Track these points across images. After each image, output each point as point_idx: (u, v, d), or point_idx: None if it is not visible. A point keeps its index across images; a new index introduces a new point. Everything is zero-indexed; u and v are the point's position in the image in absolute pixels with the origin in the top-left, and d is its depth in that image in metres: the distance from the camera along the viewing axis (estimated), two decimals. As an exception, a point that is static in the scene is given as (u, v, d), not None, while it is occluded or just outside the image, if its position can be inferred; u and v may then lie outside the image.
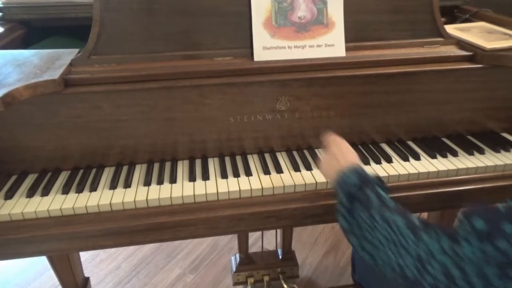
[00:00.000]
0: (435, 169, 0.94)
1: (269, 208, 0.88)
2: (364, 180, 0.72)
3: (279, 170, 0.95)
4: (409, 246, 0.60)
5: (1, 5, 1.22)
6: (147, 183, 0.92)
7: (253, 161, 1.00)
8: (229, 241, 1.83)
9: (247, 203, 0.89)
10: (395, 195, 0.92)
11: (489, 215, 0.51)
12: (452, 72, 1.00)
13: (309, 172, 0.95)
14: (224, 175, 0.94)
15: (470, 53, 1.00)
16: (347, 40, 0.98)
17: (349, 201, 0.71)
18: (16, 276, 1.67)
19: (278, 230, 1.46)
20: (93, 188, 0.90)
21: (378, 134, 1.06)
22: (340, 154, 0.80)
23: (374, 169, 0.95)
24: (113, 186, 0.91)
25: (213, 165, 0.98)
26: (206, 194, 0.89)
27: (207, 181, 0.92)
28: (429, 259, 0.57)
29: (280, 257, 1.39)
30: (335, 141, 0.84)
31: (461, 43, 1.04)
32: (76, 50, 0.97)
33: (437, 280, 0.56)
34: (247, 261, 1.38)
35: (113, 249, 1.79)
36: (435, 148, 1.02)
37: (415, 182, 0.94)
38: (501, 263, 0.49)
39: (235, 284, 1.38)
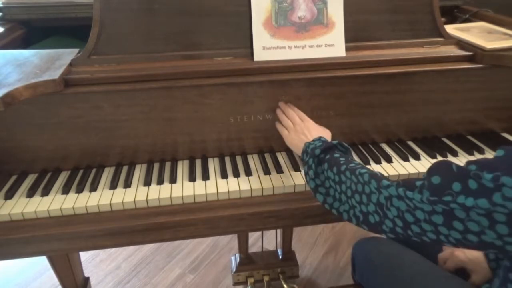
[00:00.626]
0: (435, 169, 0.94)
1: (269, 208, 0.88)
2: (327, 144, 0.81)
3: (279, 170, 0.95)
4: (372, 194, 0.67)
5: (1, 5, 1.22)
6: (147, 183, 0.92)
7: (253, 161, 1.00)
8: (229, 241, 1.83)
9: (247, 203, 0.89)
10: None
11: (445, 173, 0.57)
12: (452, 72, 1.00)
13: (309, 172, 0.95)
14: (224, 175, 0.94)
15: (470, 53, 1.00)
16: (347, 40, 0.98)
17: (316, 164, 0.79)
18: (16, 276, 1.67)
19: (278, 230, 1.46)
20: (93, 188, 0.90)
21: (378, 134, 1.06)
22: (308, 131, 0.90)
23: (374, 169, 0.95)
24: (113, 186, 0.91)
25: (213, 165, 0.98)
26: (206, 194, 0.89)
27: (207, 181, 0.92)
28: (387, 205, 0.64)
29: (280, 257, 1.39)
30: (304, 121, 0.93)
31: (461, 43, 1.04)
32: (76, 50, 0.97)
33: (395, 224, 0.63)
34: (247, 261, 1.38)
35: (113, 249, 1.79)
36: (435, 148, 1.02)
37: (415, 182, 0.94)
38: (446, 212, 0.56)
39: (235, 284, 1.38)
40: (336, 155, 0.78)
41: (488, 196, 0.50)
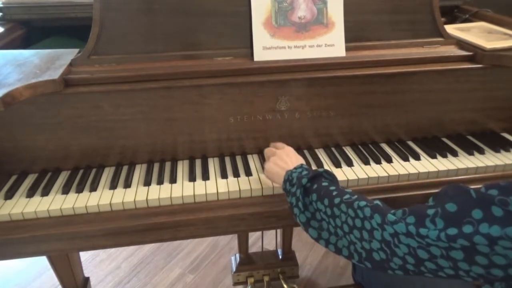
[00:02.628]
0: (435, 169, 0.94)
1: (269, 208, 0.88)
2: (314, 173, 0.75)
3: (279, 170, 0.95)
4: (374, 230, 0.60)
5: (1, 5, 1.22)
6: (147, 183, 0.92)
7: (253, 161, 1.00)
8: (229, 241, 1.83)
9: (247, 203, 0.89)
10: (395, 195, 0.92)
11: (461, 199, 0.52)
12: (452, 72, 1.00)
13: (309, 172, 0.95)
14: (224, 175, 0.94)
15: (470, 53, 1.00)
16: (347, 40, 0.98)
17: (303, 195, 0.73)
18: (16, 276, 1.67)
19: (278, 230, 1.46)
20: (93, 188, 0.90)
21: (378, 134, 1.06)
22: (287, 157, 0.85)
23: (374, 169, 0.95)
24: (113, 186, 0.91)
25: (213, 165, 0.98)
26: (206, 194, 0.89)
27: (207, 181, 0.92)
28: (395, 242, 0.57)
29: (280, 257, 1.39)
30: (284, 148, 0.89)
31: (461, 43, 1.04)
32: (76, 50, 0.97)
33: (405, 261, 0.57)
34: (247, 261, 1.38)
35: (113, 249, 1.79)
36: (435, 148, 1.02)
37: (415, 182, 0.94)
38: (466, 248, 0.49)
39: (235, 284, 1.38)
40: (325, 183, 0.73)
41: None
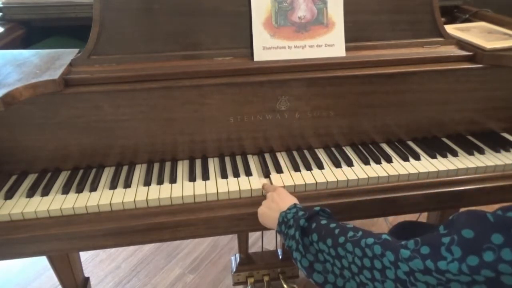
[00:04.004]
0: (435, 169, 0.94)
1: (269, 208, 0.88)
2: (310, 212, 0.71)
3: (279, 170, 0.95)
4: (386, 269, 0.56)
5: (1, 5, 1.22)
6: (147, 183, 0.92)
7: (253, 161, 0.99)
8: (229, 241, 1.83)
9: (247, 203, 0.89)
10: (395, 195, 0.92)
11: (477, 223, 0.48)
12: (452, 72, 1.00)
13: (309, 172, 0.95)
14: (224, 175, 0.94)
15: (470, 53, 1.00)
16: (347, 40, 0.98)
17: (302, 236, 0.68)
18: (16, 276, 1.67)
19: (278, 230, 1.46)
20: (93, 188, 0.90)
21: (378, 134, 1.06)
22: (279, 198, 0.80)
23: (374, 169, 0.95)
24: (113, 186, 0.91)
25: (213, 165, 0.98)
26: (206, 194, 0.89)
27: (207, 181, 0.92)
28: (411, 280, 0.53)
29: (280, 257, 1.39)
30: (276, 190, 0.85)
31: (461, 43, 1.04)
32: (76, 50, 0.97)
33: None
34: (247, 261, 1.37)
35: (113, 249, 1.79)
36: (435, 148, 1.02)
37: (415, 182, 0.94)
38: (491, 280, 0.46)
39: (235, 284, 1.38)
40: (323, 221, 0.68)
41: None
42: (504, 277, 0.44)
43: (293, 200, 0.80)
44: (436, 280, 0.50)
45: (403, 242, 0.56)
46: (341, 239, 0.63)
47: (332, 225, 0.66)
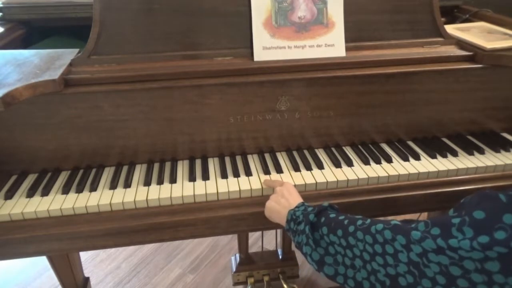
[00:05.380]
0: (435, 169, 0.94)
1: (269, 208, 0.88)
2: (319, 208, 0.73)
3: (279, 170, 0.95)
4: (398, 253, 0.57)
5: (1, 5, 1.22)
6: (147, 183, 0.92)
7: (253, 161, 0.99)
8: (229, 241, 1.83)
9: (247, 203, 0.89)
10: (395, 195, 0.92)
11: (489, 204, 0.49)
12: (452, 72, 1.00)
13: (309, 172, 0.95)
14: (224, 175, 0.94)
15: (470, 53, 1.00)
16: (347, 40, 0.98)
17: (312, 231, 0.69)
18: (16, 276, 1.67)
19: (278, 230, 1.46)
20: (93, 188, 0.90)
21: (378, 134, 1.06)
22: (288, 194, 0.81)
23: (374, 169, 0.95)
24: (113, 186, 0.91)
25: (213, 165, 0.98)
26: (206, 194, 0.89)
27: (207, 181, 0.92)
28: (424, 262, 0.54)
29: (280, 257, 1.39)
30: (284, 184, 0.86)
31: (461, 43, 1.04)
32: (76, 50, 0.97)
33: (436, 282, 0.53)
34: (247, 261, 1.37)
35: (113, 249, 1.79)
36: (435, 148, 1.02)
37: (415, 182, 0.94)
38: (504, 256, 0.46)
39: (235, 284, 1.38)
40: (332, 215, 0.70)
41: None
42: None
43: (300, 198, 0.81)
44: (448, 260, 0.51)
45: (413, 225, 0.57)
46: (351, 228, 0.64)
47: (341, 217, 0.68)
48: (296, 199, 0.80)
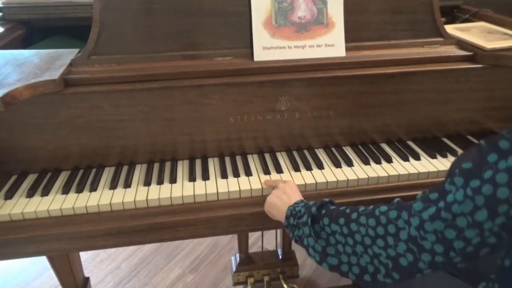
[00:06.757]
0: (435, 169, 0.94)
1: (269, 208, 0.88)
2: (320, 202, 0.74)
3: (279, 170, 0.95)
4: (400, 231, 0.59)
5: (1, 5, 1.22)
6: (147, 183, 0.92)
7: (253, 161, 0.99)
8: (229, 241, 1.83)
9: (247, 203, 0.89)
10: (395, 195, 0.92)
11: (474, 155, 0.53)
12: (452, 72, 1.00)
13: (309, 172, 0.95)
14: (224, 175, 0.94)
15: (470, 53, 1.00)
16: (347, 40, 0.98)
17: (313, 223, 0.71)
18: (16, 276, 1.67)
19: (278, 230, 1.46)
20: (93, 188, 0.90)
21: (378, 134, 1.06)
22: (290, 191, 0.83)
23: (374, 169, 0.95)
24: (113, 186, 0.91)
25: (213, 165, 0.98)
26: (206, 194, 0.89)
27: (207, 181, 0.92)
28: (421, 234, 0.56)
29: (280, 257, 1.39)
30: (286, 182, 0.87)
31: (461, 43, 1.04)
32: (76, 50, 0.97)
33: (434, 253, 0.56)
34: (247, 261, 1.37)
35: (113, 249, 1.79)
36: (435, 148, 1.02)
37: (415, 182, 0.94)
38: (489, 199, 0.50)
39: (235, 284, 1.38)
40: (333, 207, 0.72)
41: None
42: (500, 190, 0.49)
43: (301, 196, 0.83)
44: (443, 223, 0.54)
45: (420, 199, 0.59)
46: (354, 215, 0.66)
47: (342, 207, 0.70)
48: (297, 197, 0.81)
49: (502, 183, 0.49)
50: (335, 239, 0.67)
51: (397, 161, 0.98)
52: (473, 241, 0.53)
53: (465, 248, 0.54)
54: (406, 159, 0.98)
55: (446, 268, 0.58)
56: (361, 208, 0.67)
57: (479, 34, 1.08)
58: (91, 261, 1.74)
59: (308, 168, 0.96)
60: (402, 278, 0.61)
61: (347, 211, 0.68)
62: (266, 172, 0.95)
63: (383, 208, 0.63)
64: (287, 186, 0.84)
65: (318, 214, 0.71)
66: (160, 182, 0.92)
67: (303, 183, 0.91)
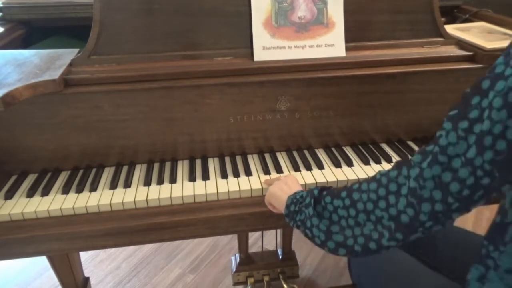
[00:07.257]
0: (435, 169, 0.94)
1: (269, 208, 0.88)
2: (322, 187, 0.74)
3: (279, 170, 0.95)
4: (402, 187, 0.60)
5: (1, 5, 1.22)
6: (147, 183, 0.92)
7: (253, 161, 1.00)
8: (229, 241, 1.83)
9: (247, 203, 0.89)
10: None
11: (459, 101, 0.55)
12: (452, 72, 1.00)
13: (309, 172, 0.95)
14: (224, 175, 0.94)
15: (470, 53, 1.00)
16: (347, 40, 0.98)
17: (315, 204, 0.72)
18: (16, 276, 1.67)
19: (278, 230, 1.46)
20: (93, 188, 0.90)
21: (378, 134, 1.06)
22: (292, 183, 0.83)
23: (374, 169, 0.95)
24: (113, 186, 0.91)
25: (213, 165, 0.98)
26: (206, 194, 0.89)
27: (207, 181, 0.92)
28: (421, 184, 0.57)
29: (280, 257, 1.39)
30: (288, 176, 0.88)
31: (461, 43, 1.04)
32: (76, 50, 0.97)
33: (433, 201, 0.56)
34: (247, 261, 1.38)
35: (113, 249, 1.79)
36: (435, 148, 1.01)
37: (415, 182, 0.94)
38: (478, 137, 0.51)
39: (235, 284, 1.38)
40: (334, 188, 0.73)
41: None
42: (486, 123, 0.50)
43: (301, 189, 0.82)
44: (440, 167, 0.55)
45: (419, 152, 0.60)
46: (355, 186, 0.67)
47: (342, 187, 0.70)
48: (298, 188, 0.82)
49: (486, 117, 0.50)
50: (338, 215, 0.68)
51: (397, 161, 0.98)
52: (468, 182, 0.54)
53: (461, 191, 0.54)
54: (406, 159, 0.98)
55: (446, 218, 0.58)
56: (362, 180, 0.68)
57: (479, 34, 1.08)
58: (91, 261, 1.74)
59: (308, 168, 0.96)
60: (405, 237, 0.61)
61: (348, 185, 0.69)
62: (266, 172, 0.95)
63: (383, 171, 0.64)
64: (288, 178, 0.85)
65: (319, 196, 0.72)
66: (160, 182, 0.92)
67: (303, 183, 0.91)
